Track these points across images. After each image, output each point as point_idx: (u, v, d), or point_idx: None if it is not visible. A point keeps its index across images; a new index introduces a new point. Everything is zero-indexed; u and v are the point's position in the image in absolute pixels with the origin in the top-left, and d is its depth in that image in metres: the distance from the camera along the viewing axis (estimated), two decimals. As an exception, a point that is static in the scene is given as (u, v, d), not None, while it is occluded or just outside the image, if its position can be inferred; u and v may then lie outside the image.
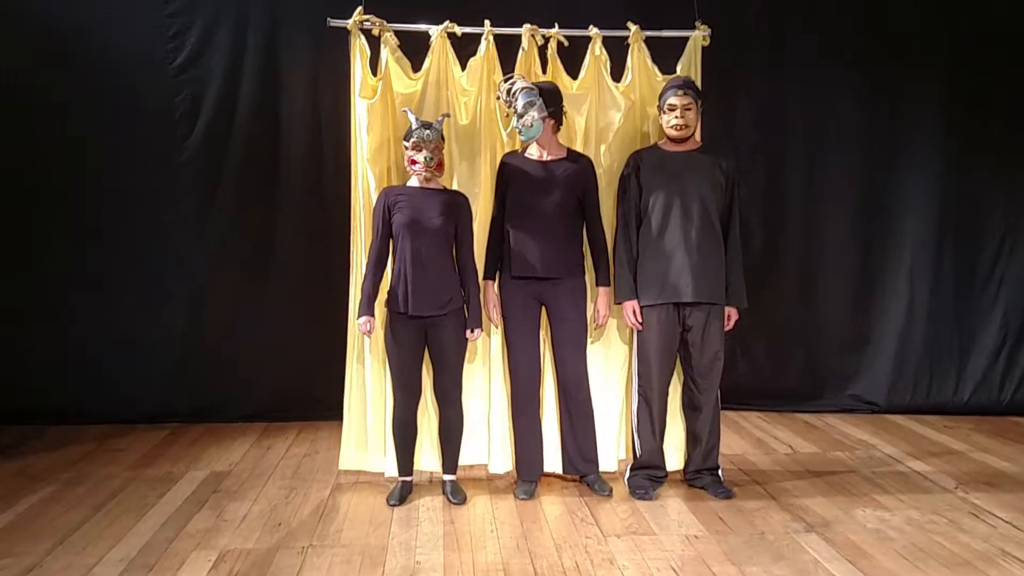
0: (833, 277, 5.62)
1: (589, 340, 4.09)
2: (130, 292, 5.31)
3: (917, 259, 5.55)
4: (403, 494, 3.95)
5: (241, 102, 5.23)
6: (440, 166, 3.80)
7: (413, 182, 3.84)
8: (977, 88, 5.49)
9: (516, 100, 3.78)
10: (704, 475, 4.03)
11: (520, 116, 3.76)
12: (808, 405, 5.63)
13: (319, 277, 5.20)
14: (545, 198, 3.88)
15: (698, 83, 4.07)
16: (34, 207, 5.23)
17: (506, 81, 3.85)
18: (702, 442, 4.01)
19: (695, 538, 3.49)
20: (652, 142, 4.10)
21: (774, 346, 5.67)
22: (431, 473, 4.22)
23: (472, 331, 3.86)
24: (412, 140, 3.73)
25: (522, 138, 3.87)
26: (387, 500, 3.92)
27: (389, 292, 3.83)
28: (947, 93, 5.50)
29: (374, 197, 3.92)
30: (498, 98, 3.89)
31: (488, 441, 4.18)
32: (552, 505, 3.89)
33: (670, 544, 3.43)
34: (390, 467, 4.09)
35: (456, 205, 3.82)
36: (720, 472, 4.08)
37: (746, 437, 5.05)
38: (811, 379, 5.67)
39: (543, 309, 4.03)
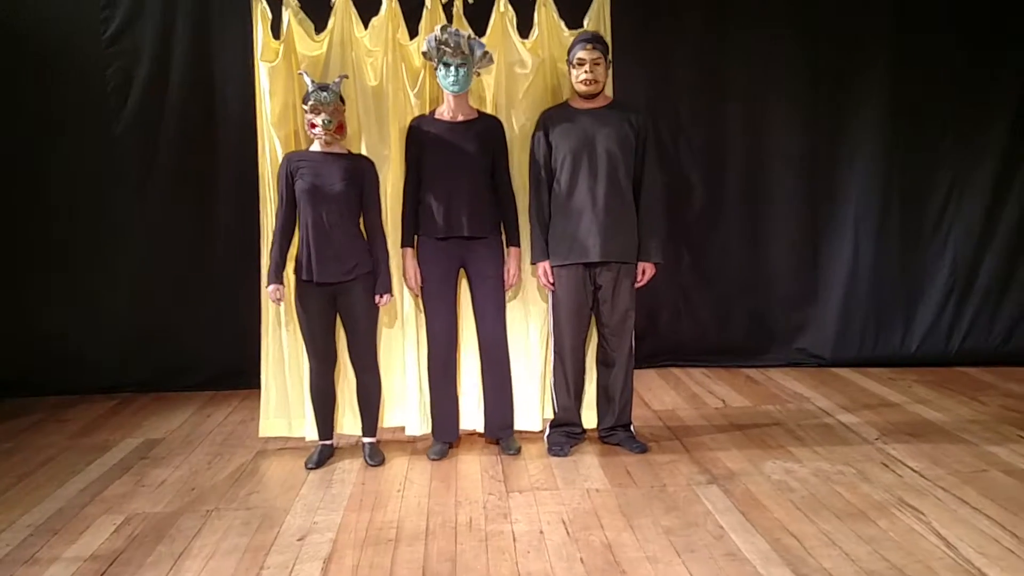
0: (778, 231, 5.57)
1: (508, 300, 4.09)
2: (80, 265, 5.37)
3: (862, 211, 5.48)
4: (322, 458, 3.99)
5: (174, 71, 5.23)
6: (341, 128, 3.78)
7: (316, 147, 3.82)
8: (925, 41, 5.37)
9: (473, 47, 3.77)
10: (618, 431, 4.05)
11: (464, 65, 3.76)
12: (755, 360, 5.61)
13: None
14: (461, 159, 3.87)
15: (608, 39, 4.02)
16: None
17: (444, 31, 3.75)
18: (615, 399, 4.01)
19: (596, 491, 3.52)
20: (563, 99, 4.05)
21: (720, 302, 5.64)
22: (359, 437, 4.24)
23: (381, 297, 3.86)
24: (310, 103, 3.70)
25: (454, 90, 3.82)
26: (305, 464, 3.96)
27: (296, 260, 3.84)
28: (894, 46, 5.39)
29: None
30: (441, 44, 3.74)
31: (407, 405, 4.20)
32: (467, 464, 3.93)
33: (569, 498, 3.46)
34: (311, 432, 4.13)
35: (359, 170, 3.81)
36: (632, 428, 4.08)
37: (682, 392, 5.05)
38: (757, 334, 5.64)
39: (460, 272, 4.04)
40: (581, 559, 2.92)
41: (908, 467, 3.71)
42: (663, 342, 5.63)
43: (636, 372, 5.35)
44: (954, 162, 5.47)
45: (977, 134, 5.42)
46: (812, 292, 5.59)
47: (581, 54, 3.80)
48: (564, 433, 4.06)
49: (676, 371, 5.55)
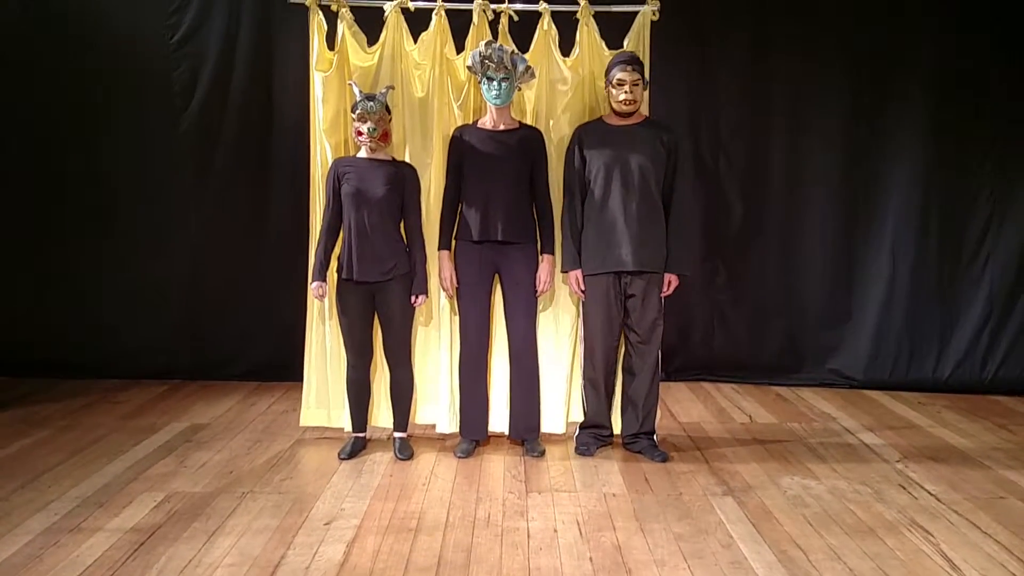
0: (815, 251, 5.62)
1: (539, 307, 4.24)
2: (137, 257, 5.66)
3: (900, 234, 5.50)
4: (354, 449, 4.17)
5: (236, 74, 5.50)
6: (385, 136, 3.97)
7: (362, 153, 4.02)
8: (967, 64, 5.39)
9: (516, 62, 3.94)
10: (641, 439, 4.16)
11: (506, 79, 3.92)
12: (786, 379, 5.65)
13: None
14: (500, 166, 4.03)
15: (645, 58, 4.15)
16: (43, 178, 5.61)
17: (489, 46, 3.92)
18: (639, 407, 4.13)
19: (612, 496, 3.63)
20: (599, 116, 4.19)
21: (754, 320, 5.70)
22: (391, 431, 4.40)
23: (417, 298, 4.04)
24: (357, 111, 3.90)
25: (496, 103, 3.99)
26: (338, 454, 4.15)
27: (338, 259, 4.03)
28: (936, 68, 5.41)
29: (331, 167, 4.12)
30: (485, 59, 3.91)
31: (439, 403, 4.35)
32: (491, 463, 4.07)
33: (586, 500, 3.58)
34: (349, 423, 4.31)
35: (402, 176, 4.00)
36: (655, 437, 4.19)
37: (710, 407, 5.13)
38: (790, 353, 5.69)
39: (495, 276, 4.19)
40: (590, 558, 3.05)
41: (925, 489, 3.75)
42: (695, 356, 5.72)
43: (667, 384, 5.49)
44: (995, 188, 5.46)
45: (1019, 159, 5.41)
46: (846, 313, 5.62)
47: (621, 75, 3.95)
48: (592, 435, 4.20)
49: (707, 386, 5.63)
